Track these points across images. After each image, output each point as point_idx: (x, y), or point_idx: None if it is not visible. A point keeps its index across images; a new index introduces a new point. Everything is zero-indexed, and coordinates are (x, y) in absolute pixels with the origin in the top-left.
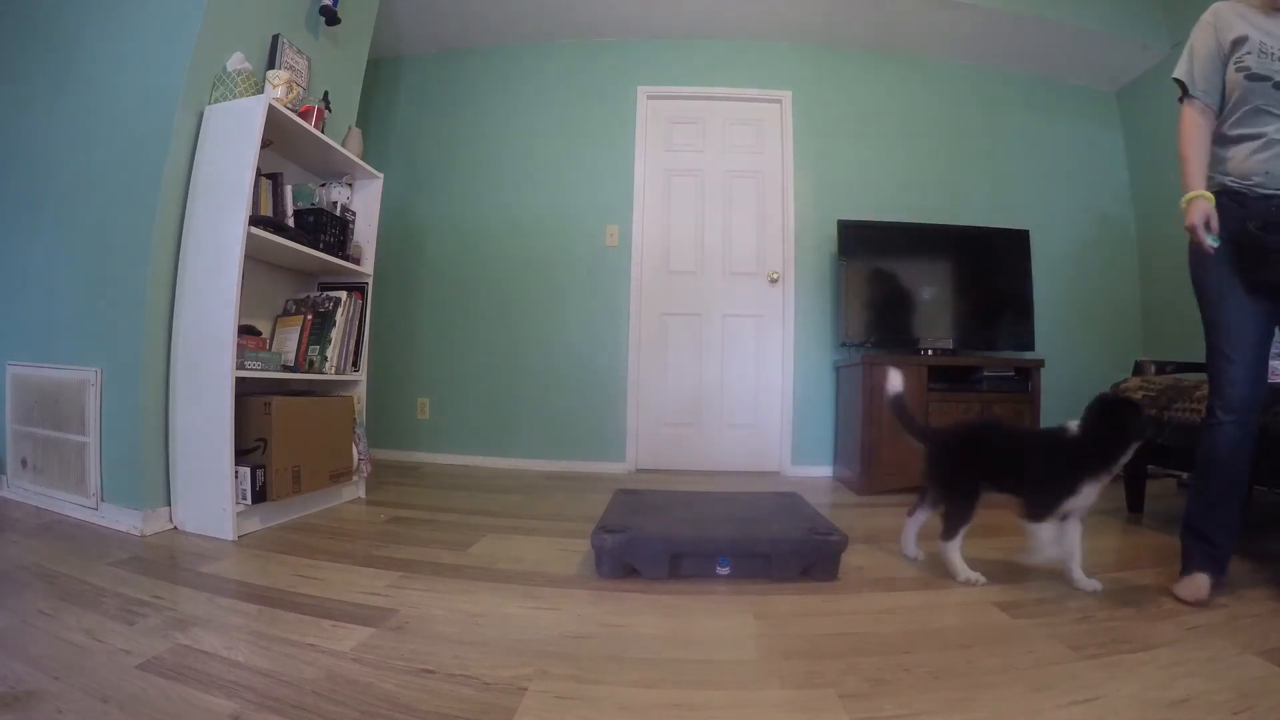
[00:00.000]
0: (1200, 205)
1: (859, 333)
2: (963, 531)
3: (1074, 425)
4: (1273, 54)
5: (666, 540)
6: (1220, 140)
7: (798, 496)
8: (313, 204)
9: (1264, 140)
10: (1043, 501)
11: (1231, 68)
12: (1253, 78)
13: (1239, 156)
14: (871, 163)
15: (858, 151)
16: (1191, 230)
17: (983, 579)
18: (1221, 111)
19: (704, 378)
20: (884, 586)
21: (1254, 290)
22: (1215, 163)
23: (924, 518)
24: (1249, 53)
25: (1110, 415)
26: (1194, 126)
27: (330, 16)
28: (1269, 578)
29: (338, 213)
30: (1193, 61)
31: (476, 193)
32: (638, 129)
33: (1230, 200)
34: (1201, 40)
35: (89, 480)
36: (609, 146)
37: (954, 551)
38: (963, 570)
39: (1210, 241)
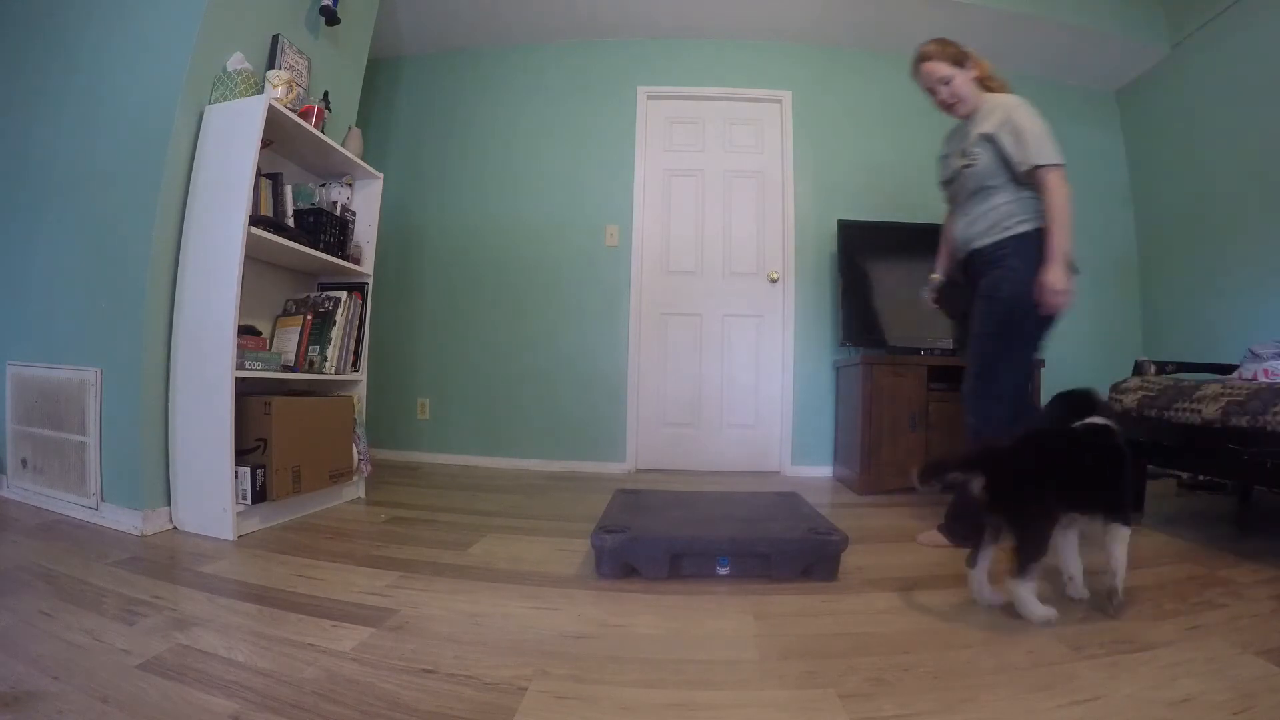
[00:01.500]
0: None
1: (859, 333)
2: (1039, 567)
3: (1102, 420)
4: (941, 158)
5: (666, 540)
6: None
7: (797, 496)
8: (313, 204)
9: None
10: (1128, 501)
11: None
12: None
13: None
14: (872, 162)
15: (858, 151)
16: None
17: (1055, 614)
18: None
19: (704, 378)
20: (884, 586)
21: (960, 316)
22: None
23: (988, 561)
24: None
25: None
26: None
27: (330, 16)
28: (1269, 578)
29: (338, 213)
30: None
31: (476, 192)
32: (638, 129)
33: None
34: None
35: (89, 480)
36: (609, 146)
37: (1029, 590)
38: (1040, 609)
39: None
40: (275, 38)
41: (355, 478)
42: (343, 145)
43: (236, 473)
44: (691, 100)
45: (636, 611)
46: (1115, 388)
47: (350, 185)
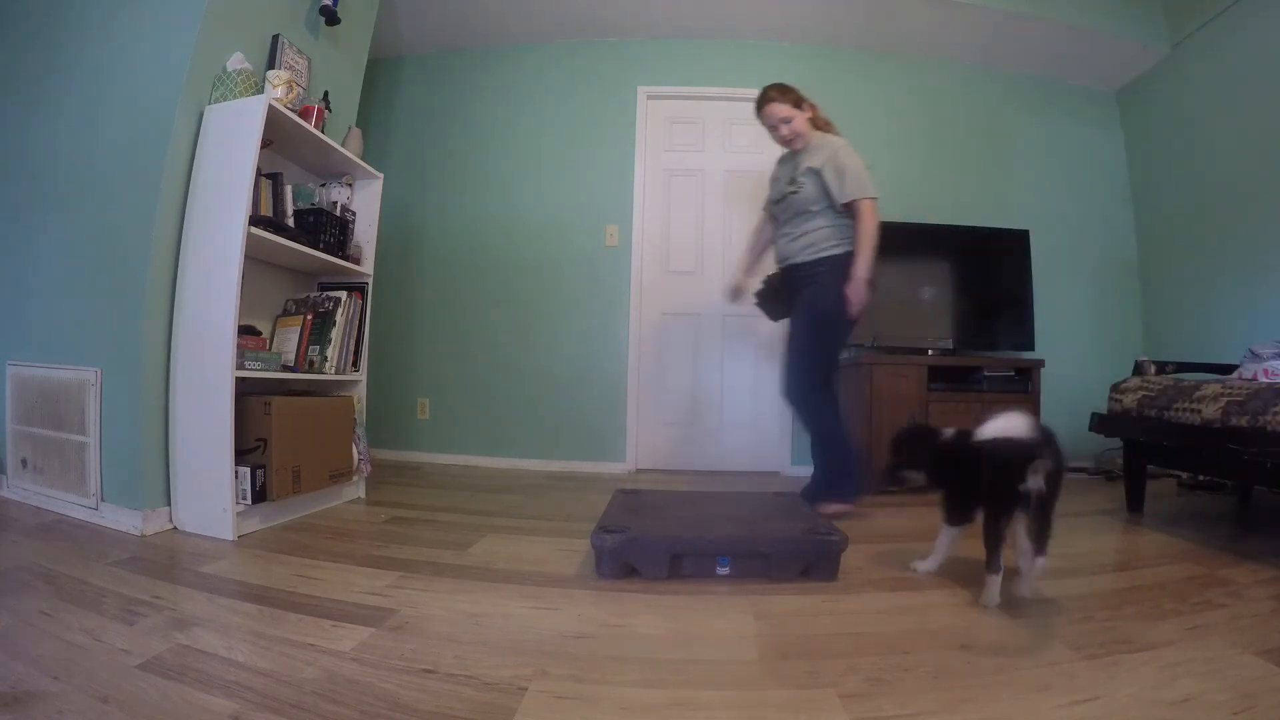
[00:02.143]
0: None
1: (859, 332)
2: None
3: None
4: (770, 180)
5: (666, 540)
6: None
7: (798, 496)
8: (313, 204)
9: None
10: None
11: None
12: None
13: None
14: (871, 163)
15: (857, 151)
16: None
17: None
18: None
19: (704, 377)
20: (884, 586)
21: (778, 318)
22: None
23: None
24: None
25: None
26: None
27: (330, 16)
28: (1269, 578)
29: (338, 213)
30: None
31: (476, 192)
32: (638, 129)
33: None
34: None
35: (89, 480)
36: (609, 146)
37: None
38: (997, 595)
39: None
40: (275, 38)
41: (355, 478)
42: (343, 145)
43: (236, 473)
44: (691, 100)
45: (636, 611)
46: (1115, 388)
47: (350, 185)
